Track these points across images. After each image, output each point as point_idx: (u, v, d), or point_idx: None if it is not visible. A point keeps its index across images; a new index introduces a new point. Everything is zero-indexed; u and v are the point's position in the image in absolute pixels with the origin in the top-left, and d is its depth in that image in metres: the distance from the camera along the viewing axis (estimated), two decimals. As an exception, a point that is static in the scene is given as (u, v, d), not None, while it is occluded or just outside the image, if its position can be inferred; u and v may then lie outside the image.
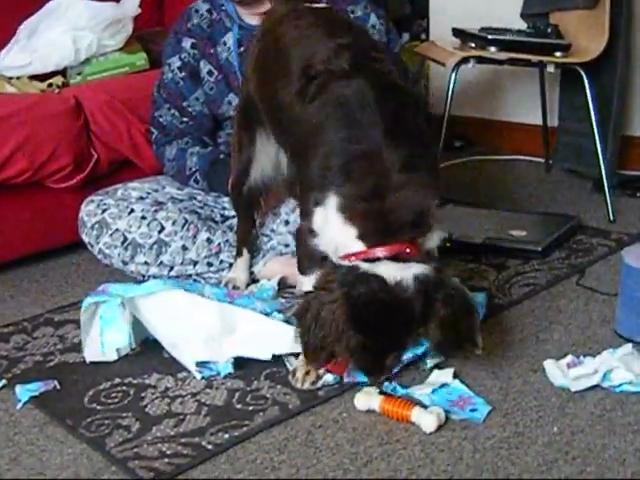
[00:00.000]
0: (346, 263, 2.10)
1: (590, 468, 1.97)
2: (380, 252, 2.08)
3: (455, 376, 2.32)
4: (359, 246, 2.11)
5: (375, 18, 3.01)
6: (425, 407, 2.16)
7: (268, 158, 2.77)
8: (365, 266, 2.06)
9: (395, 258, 2.07)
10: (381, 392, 2.24)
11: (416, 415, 2.13)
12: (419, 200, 2.14)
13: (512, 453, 2.03)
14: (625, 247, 2.82)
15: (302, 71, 2.33)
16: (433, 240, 2.20)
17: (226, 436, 2.12)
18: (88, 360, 2.49)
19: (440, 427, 2.12)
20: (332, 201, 2.14)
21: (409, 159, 2.13)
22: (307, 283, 2.33)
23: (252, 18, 2.98)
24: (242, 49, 2.98)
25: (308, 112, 2.27)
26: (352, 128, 2.16)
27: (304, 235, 2.32)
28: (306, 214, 2.27)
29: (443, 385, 2.27)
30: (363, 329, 2.04)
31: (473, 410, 2.18)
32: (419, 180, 2.14)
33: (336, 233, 2.16)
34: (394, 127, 2.16)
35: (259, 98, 2.60)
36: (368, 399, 2.20)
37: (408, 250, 2.09)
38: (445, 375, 2.31)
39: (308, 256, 2.36)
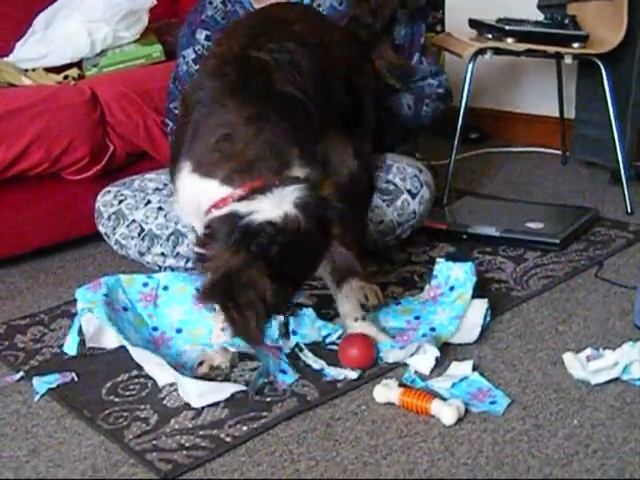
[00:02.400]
0: (220, 212, 2.06)
1: (611, 461, 1.95)
2: (247, 188, 2.06)
3: (474, 369, 2.31)
4: (225, 191, 2.09)
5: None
6: (444, 399, 2.15)
7: None
8: (242, 208, 2.03)
9: (263, 190, 2.05)
10: (400, 384, 2.23)
11: (436, 407, 2.12)
12: (270, 138, 2.11)
13: (532, 446, 2.02)
14: (644, 239, 2.81)
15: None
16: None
17: (244, 428, 2.11)
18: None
19: (460, 420, 2.11)
20: (185, 165, 2.16)
21: (255, 117, 2.12)
22: None
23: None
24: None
25: (185, 88, 2.39)
26: (204, 101, 2.19)
27: None
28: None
29: (463, 378, 2.26)
30: (280, 279, 2.03)
31: (493, 402, 2.17)
32: (269, 128, 2.12)
33: (197, 191, 2.14)
34: (243, 94, 2.17)
35: None
36: (387, 392, 2.19)
37: (277, 182, 2.06)
38: (464, 367, 2.30)
39: None
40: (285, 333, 2.47)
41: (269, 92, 2.19)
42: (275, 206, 2.02)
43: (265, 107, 2.14)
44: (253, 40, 2.30)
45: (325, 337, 2.46)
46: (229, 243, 2.01)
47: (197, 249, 2.12)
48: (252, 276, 1.99)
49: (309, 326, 2.45)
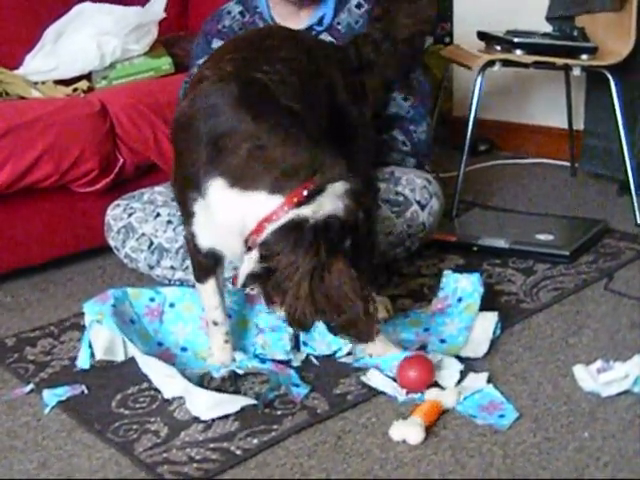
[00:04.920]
0: (279, 222, 1.99)
1: (622, 474, 1.95)
2: (303, 191, 2.00)
3: (488, 381, 2.31)
4: (277, 200, 2.01)
5: None
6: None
7: None
8: (304, 212, 1.98)
9: (317, 190, 2.01)
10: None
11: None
12: (299, 142, 2.08)
13: (543, 459, 2.01)
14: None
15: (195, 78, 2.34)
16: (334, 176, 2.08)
17: (255, 441, 2.11)
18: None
19: (471, 432, 2.11)
20: (217, 182, 2.06)
21: (276, 126, 2.09)
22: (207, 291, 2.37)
23: (287, 21, 2.96)
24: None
25: (178, 111, 2.25)
26: (217, 117, 2.11)
27: (189, 243, 2.30)
28: (187, 217, 2.22)
29: (476, 391, 2.25)
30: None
31: (501, 416, 2.16)
32: (293, 134, 2.09)
33: (241, 207, 2.05)
34: (255, 107, 2.12)
35: None
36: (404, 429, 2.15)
37: (324, 180, 2.03)
38: (480, 380, 2.29)
39: (199, 263, 2.35)
40: (295, 346, 2.49)
41: (276, 105, 2.17)
42: (333, 202, 1.99)
43: (279, 118, 2.11)
44: (246, 63, 2.26)
45: (335, 352, 2.47)
46: (303, 247, 1.96)
47: (258, 265, 2.01)
48: (341, 271, 1.97)
49: (319, 339, 2.46)
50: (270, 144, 2.04)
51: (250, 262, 2.01)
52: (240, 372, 2.33)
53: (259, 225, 2.00)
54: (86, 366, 2.50)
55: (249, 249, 2.03)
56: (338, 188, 2.01)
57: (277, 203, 1.99)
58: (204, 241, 2.23)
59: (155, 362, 2.34)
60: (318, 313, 1.99)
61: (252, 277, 2.03)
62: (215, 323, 2.38)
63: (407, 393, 2.25)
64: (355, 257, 2.02)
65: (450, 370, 2.33)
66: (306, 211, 1.97)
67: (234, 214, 2.05)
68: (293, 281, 1.96)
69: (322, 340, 2.48)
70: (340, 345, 2.46)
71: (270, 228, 1.98)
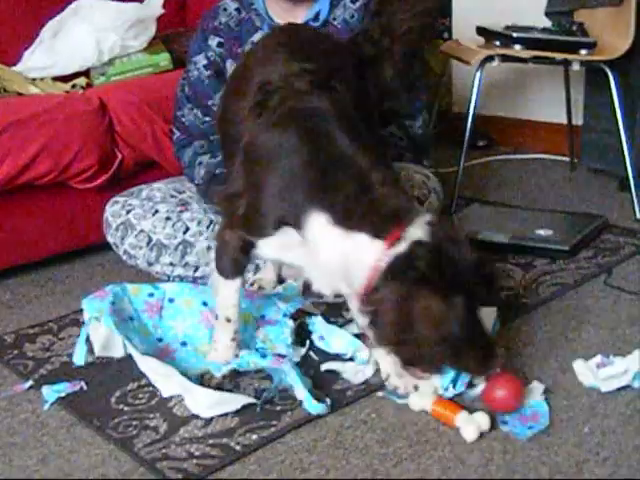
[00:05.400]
0: (384, 263, 2.00)
1: (622, 469, 1.95)
2: (400, 233, 2.02)
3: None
4: (378, 245, 2.02)
5: None
6: (471, 412, 2.12)
7: None
8: (402, 249, 1.99)
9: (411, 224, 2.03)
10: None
11: (460, 421, 2.11)
12: (400, 189, 2.13)
13: (543, 454, 2.01)
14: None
15: (259, 87, 2.29)
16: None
17: (254, 437, 2.11)
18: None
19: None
20: (320, 218, 2.06)
21: (377, 162, 2.10)
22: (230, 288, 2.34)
23: (283, 18, 2.95)
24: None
25: (263, 127, 2.21)
26: (316, 142, 2.10)
27: (235, 243, 2.27)
28: (259, 230, 2.19)
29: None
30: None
31: (530, 427, 2.11)
32: (393, 176, 2.13)
33: (345, 249, 2.05)
34: (357, 137, 2.13)
35: (218, 126, 2.60)
36: (421, 400, 2.19)
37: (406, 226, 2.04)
38: (537, 390, 2.24)
39: (235, 261, 2.32)
40: (299, 341, 2.48)
41: (370, 137, 2.21)
42: (424, 234, 2.00)
43: (375, 153, 2.13)
44: (317, 78, 2.26)
45: (352, 357, 2.44)
46: (408, 287, 1.97)
47: (368, 309, 2.04)
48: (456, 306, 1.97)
49: (338, 337, 2.48)
50: (375, 183, 2.06)
51: (359, 310, 2.08)
52: (241, 370, 2.32)
53: (374, 269, 2.01)
54: (81, 362, 2.50)
55: (355, 295, 2.08)
56: (425, 218, 2.05)
57: (379, 247, 2.01)
58: (271, 255, 2.26)
59: (153, 362, 2.34)
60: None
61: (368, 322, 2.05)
62: (228, 320, 2.36)
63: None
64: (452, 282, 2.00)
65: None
66: (404, 248, 1.99)
67: (335, 253, 2.06)
68: (405, 322, 1.98)
69: (341, 339, 2.48)
70: (356, 347, 2.44)
71: (379, 269, 2.00)
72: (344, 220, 2.04)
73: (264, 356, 2.37)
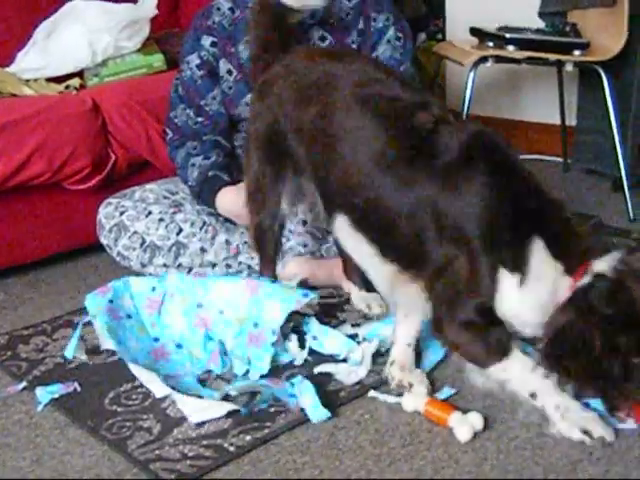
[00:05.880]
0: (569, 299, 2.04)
1: (615, 469, 1.95)
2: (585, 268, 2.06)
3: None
4: (567, 281, 2.06)
5: (393, 33, 3.00)
6: (464, 413, 2.13)
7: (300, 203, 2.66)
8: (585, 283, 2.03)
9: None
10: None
11: (453, 422, 2.11)
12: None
13: (536, 454, 2.02)
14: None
15: (404, 130, 2.19)
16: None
17: (248, 438, 2.11)
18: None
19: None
20: (539, 245, 2.05)
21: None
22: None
23: None
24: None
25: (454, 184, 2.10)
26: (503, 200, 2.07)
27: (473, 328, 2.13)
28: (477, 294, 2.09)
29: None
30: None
31: None
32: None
33: (552, 278, 2.07)
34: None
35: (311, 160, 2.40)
36: (414, 401, 2.19)
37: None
38: None
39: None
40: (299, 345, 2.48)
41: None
42: (609, 268, 2.03)
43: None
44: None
45: (345, 359, 2.44)
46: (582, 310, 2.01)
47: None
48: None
49: (331, 338, 2.48)
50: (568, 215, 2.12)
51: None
52: (234, 393, 2.31)
53: (566, 302, 2.04)
54: (69, 356, 2.52)
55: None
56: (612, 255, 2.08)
57: (569, 281, 2.05)
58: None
59: (138, 370, 2.35)
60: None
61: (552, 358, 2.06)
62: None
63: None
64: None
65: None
66: (585, 281, 2.03)
67: (549, 289, 2.06)
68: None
69: (334, 339, 2.49)
70: (349, 348, 2.45)
71: (565, 306, 2.04)
72: (555, 246, 2.05)
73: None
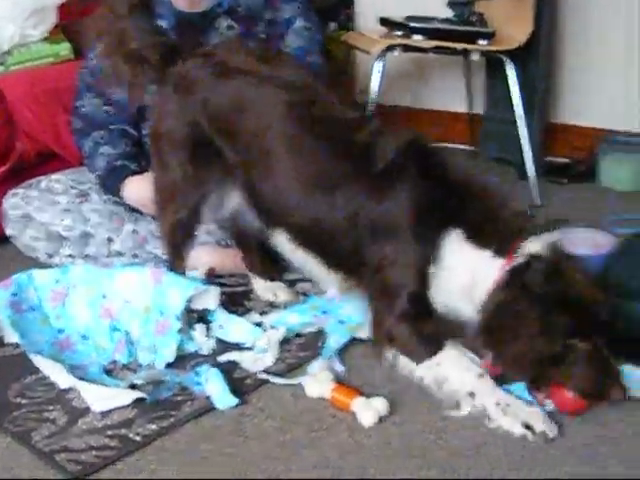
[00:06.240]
0: (502, 280, 2.11)
1: (517, 450, 2.00)
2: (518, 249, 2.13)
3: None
4: (499, 261, 2.13)
5: (301, 23, 3.03)
6: (368, 398, 2.16)
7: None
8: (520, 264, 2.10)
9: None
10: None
11: (357, 407, 2.13)
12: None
13: (440, 437, 2.06)
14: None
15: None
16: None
17: (153, 427, 2.11)
18: None
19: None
20: (456, 235, 2.15)
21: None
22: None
23: (185, 4, 2.94)
24: (175, 37, 2.93)
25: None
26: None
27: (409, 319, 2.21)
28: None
29: None
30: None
31: None
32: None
33: (473, 265, 2.15)
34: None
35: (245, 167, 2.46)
36: (319, 387, 2.21)
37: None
38: None
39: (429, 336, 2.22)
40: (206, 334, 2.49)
41: None
42: (541, 250, 2.10)
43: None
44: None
45: (251, 347, 2.45)
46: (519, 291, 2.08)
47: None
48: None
49: (237, 326, 2.49)
50: (503, 201, 2.21)
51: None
52: (139, 382, 2.30)
53: (497, 285, 2.12)
54: None
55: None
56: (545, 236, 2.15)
57: (501, 263, 2.12)
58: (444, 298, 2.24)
59: (43, 361, 2.33)
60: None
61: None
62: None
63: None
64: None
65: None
66: (522, 264, 2.10)
67: (465, 270, 2.16)
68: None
69: (240, 327, 2.50)
70: (255, 336, 2.46)
71: (495, 287, 2.11)
72: (478, 236, 2.15)
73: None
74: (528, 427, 2.04)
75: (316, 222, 2.31)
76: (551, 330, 2.05)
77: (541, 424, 2.05)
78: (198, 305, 2.47)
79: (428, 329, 2.19)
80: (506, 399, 2.10)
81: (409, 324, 2.18)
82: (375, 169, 2.23)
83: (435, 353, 2.16)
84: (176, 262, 2.65)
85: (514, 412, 2.07)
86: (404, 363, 2.20)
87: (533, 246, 2.11)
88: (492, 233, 2.15)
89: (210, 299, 2.50)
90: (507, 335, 2.09)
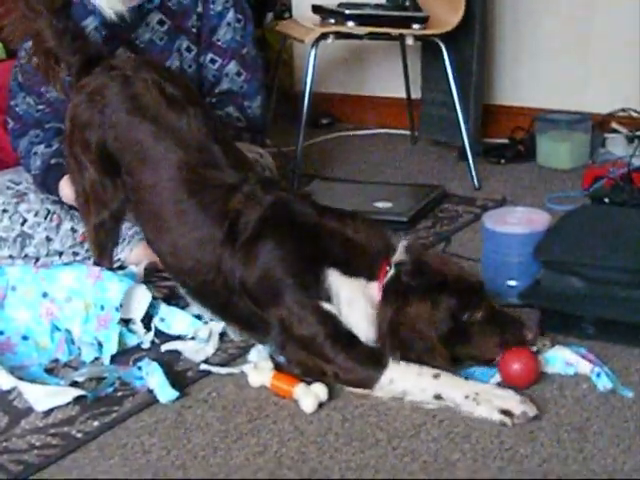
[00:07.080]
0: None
1: (457, 429, 2.03)
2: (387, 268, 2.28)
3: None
4: (376, 285, 2.27)
5: (233, 15, 3.03)
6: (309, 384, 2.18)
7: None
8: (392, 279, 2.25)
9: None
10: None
11: (297, 394, 2.15)
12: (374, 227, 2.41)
13: (381, 419, 2.07)
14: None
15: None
16: None
17: (95, 423, 2.11)
18: None
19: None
20: (334, 274, 2.24)
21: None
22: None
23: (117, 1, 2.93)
24: (105, 33, 2.94)
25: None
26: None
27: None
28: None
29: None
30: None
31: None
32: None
33: (359, 293, 2.26)
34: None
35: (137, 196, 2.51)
36: (260, 376, 2.22)
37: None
38: None
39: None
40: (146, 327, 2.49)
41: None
42: (403, 256, 2.26)
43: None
44: None
45: (193, 337, 2.47)
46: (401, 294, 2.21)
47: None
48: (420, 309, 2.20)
49: (180, 318, 2.50)
50: (353, 228, 2.32)
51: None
52: (81, 380, 2.29)
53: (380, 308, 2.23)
54: None
55: None
56: (403, 243, 2.32)
57: (376, 285, 2.25)
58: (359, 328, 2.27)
59: None
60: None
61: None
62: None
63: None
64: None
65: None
66: (394, 278, 2.24)
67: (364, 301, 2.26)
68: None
69: (181, 320, 2.51)
70: (197, 327, 2.48)
71: (379, 307, 2.23)
72: (353, 268, 2.26)
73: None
74: (505, 412, 2.05)
75: (203, 286, 2.38)
76: (440, 309, 2.17)
77: (518, 405, 2.05)
78: (126, 314, 2.49)
79: (364, 352, 2.20)
80: (473, 388, 2.10)
81: (345, 357, 2.18)
82: (242, 238, 2.29)
83: (382, 371, 2.15)
84: (102, 261, 2.65)
85: (486, 399, 2.07)
86: (360, 392, 2.20)
87: (396, 257, 2.25)
88: (360, 262, 2.26)
89: (138, 306, 2.52)
90: (407, 329, 2.17)
